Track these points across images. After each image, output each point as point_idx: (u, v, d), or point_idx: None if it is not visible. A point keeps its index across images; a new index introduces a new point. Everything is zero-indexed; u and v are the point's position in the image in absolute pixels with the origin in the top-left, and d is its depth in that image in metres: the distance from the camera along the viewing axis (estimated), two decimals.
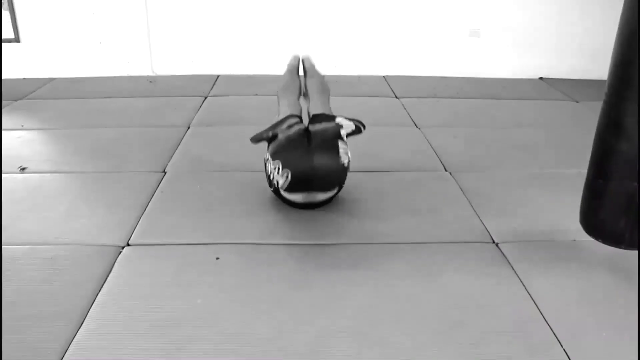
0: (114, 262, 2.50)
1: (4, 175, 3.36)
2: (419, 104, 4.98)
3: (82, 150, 3.82)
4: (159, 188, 3.23)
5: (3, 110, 4.61)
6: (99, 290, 2.30)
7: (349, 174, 2.91)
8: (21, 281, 2.35)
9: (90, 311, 2.18)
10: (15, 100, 4.87)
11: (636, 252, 2.47)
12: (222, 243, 2.64)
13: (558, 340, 2.06)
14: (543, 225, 2.90)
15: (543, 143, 4.06)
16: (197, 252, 2.57)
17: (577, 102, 5.16)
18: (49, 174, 3.42)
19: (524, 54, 5.91)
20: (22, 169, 3.45)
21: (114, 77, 5.69)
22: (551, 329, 2.03)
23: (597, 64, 5.30)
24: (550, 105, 5.10)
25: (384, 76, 5.89)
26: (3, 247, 2.60)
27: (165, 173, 3.45)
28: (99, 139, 4.02)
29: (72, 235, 2.73)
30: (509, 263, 2.55)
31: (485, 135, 4.20)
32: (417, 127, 4.37)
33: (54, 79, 5.60)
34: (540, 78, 5.98)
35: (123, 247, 2.63)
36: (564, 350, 2.02)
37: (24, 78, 5.58)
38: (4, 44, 5.45)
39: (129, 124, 4.34)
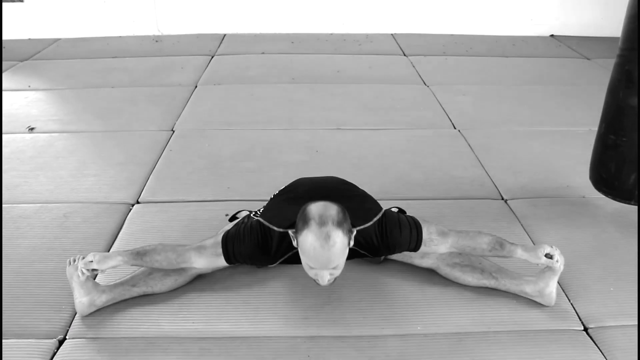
0: (124, 219, 2.52)
1: (12, 135, 3.36)
2: (428, 61, 4.92)
3: (90, 110, 3.81)
4: (167, 146, 3.23)
5: (9, 70, 4.59)
6: (110, 247, 2.33)
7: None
8: (34, 238, 2.38)
9: None
10: (21, 61, 4.84)
11: None
12: (230, 200, 2.65)
13: (565, 293, 2.07)
14: (552, 182, 2.89)
15: (553, 100, 4.01)
16: (206, 209, 2.59)
17: (588, 59, 5.08)
18: (57, 134, 3.43)
19: (535, 11, 5.79)
20: (31, 129, 3.46)
21: (120, 36, 5.64)
22: (558, 282, 2.04)
23: (609, 21, 5.20)
24: (561, 62, 5.03)
25: (392, 34, 5.80)
26: (15, 205, 2.62)
27: (174, 131, 3.45)
28: (106, 98, 4.01)
29: (83, 193, 2.75)
30: (518, 219, 2.55)
31: (495, 93, 4.15)
32: (425, 84, 4.33)
33: (59, 39, 5.55)
34: (551, 35, 5.87)
35: (133, 205, 2.64)
36: (571, 304, 2.04)
37: (29, 39, 5.54)
38: (7, 5, 5.39)
39: (136, 84, 4.32)
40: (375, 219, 1.88)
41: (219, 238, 1.95)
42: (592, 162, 2.53)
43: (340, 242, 1.60)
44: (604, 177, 2.46)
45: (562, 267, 1.96)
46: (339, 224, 1.61)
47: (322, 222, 1.57)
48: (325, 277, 1.64)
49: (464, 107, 3.87)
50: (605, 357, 1.82)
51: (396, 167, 3.02)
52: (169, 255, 1.90)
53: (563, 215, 2.59)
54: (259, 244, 1.87)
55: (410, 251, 1.93)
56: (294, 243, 1.72)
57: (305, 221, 1.60)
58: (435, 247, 2.00)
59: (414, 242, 1.90)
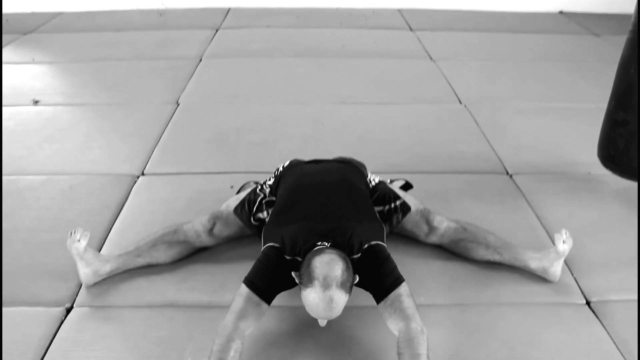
0: (130, 191, 2.52)
1: (17, 108, 3.36)
2: (435, 37, 4.87)
3: (94, 83, 3.80)
4: (172, 119, 3.23)
5: (13, 44, 4.57)
6: (116, 218, 2.34)
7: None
8: (40, 209, 2.39)
9: (108, 237, 2.22)
10: (24, 34, 4.82)
11: None
12: (235, 172, 2.65)
13: (569, 268, 2.08)
14: (558, 158, 2.88)
15: (561, 77, 3.98)
16: (211, 181, 2.59)
17: (597, 36, 5.02)
18: (62, 107, 3.42)
19: None
20: (36, 102, 3.45)
21: (123, 10, 5.59)
22: None
23: None
24: (570, 39, 4.97)
25: (398, 9, 5.74)
26: (20, 177, 2.63)
27: (179, 104, 3.44)
28: (111, 71, 4.00)
29: (88, 165, 2.75)
30: (523, 194, 2.55)
31: (502, 69, 4.12)
32: (431, 59, 4.30)
33: (62, 12, 5.51)
34: (560, 12, 5.80)
35: (138, 177, 2.65)
36: (574, 278, 2.05)
37: (32, 12, 5.50)
38: None
39: (140, 57, 4.30)
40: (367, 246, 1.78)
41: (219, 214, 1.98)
42: (600, 138, 2.51)
43: (342, 301, 1.60)
44: (612, 153, 2.45)
45: (567, 251, 1.96)
46: (343, 285, 1.59)
47: (326, 285, 1.55)
48: (324, 322, 1.65)
49: (470, 82, 3.84)
50: (607, 330, 1.83)
51: (401, 141, 3.01)
52: None
53: (568, 191, 2.58)
54: (280, 270, 1.75)
55: (379, 286, 1.73)
56: (297, 281, 1.67)
57: (310, 279, 1.58)
58: (439, 218, 2.07)
59: (390, 278, 1.72)
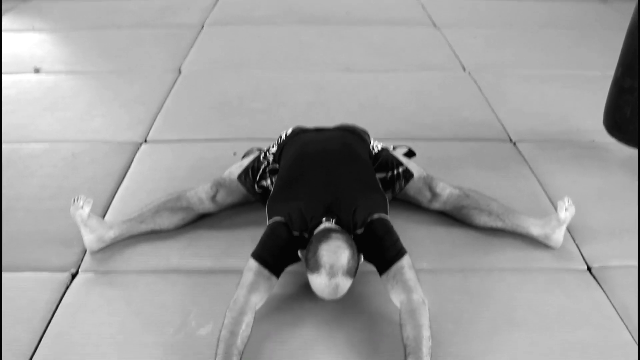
0: (133, 159, 2.52)
1: (18, 76, 3.35)
2: (438, 3, 4.80)
3: (96, 51, 3.78)
4: (174, 87, 3.21)
5: (12, 11, 4.52)
6: (119, 185, 2.34)
7: None
8: (43, 177, 2.40)
9: (111, 204, 2.23)
10: (24, 2, 4.76)
11: None
12: (238, 139, 2.65)
13: (571, 235, 2.08)
14: (562, 126, 2.86)
15: (566, 44, 3.94)
16: (214, 148, 2.59)
17: (604, 2, 4.94)
18: (63, 74, 3.41)
19: None
20: (37, 70, 3.43)
21: None
22: None
23: None
24: (576, 6, 4.89)
25: None
26: (23, 145, 2.63)
27: (181, 72, 3.42)
28: (112, 39, 3.96)
29: (91, 133, 2.75)
30: (526, 161, 2.54)
31: (506, 36, 4.07)
32: (435, 26, 4.25)
33: None
34: None
35: (141, 144, 2.65)
36: (576, 245, 2.05)
37: None
38: None
39: (142, 25, 4.26)
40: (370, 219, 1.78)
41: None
42: (606, 106, 2.49)
43: (347, 287, 1.62)
44: (618, 121, 2.43)
45: (569, 219, 1.96)
46: (349, 272, 1.60)
47: (332, 274, 1.57)
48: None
49: (474, 49, 3.80)
50: (607, 295, 1.84)
51: (405, 109, 3.00)
52: None
53: (572, 159, 2.58)
54: (288, 246, 1.75)
55: (381, 258, 1.73)
56: (302, 260, 1.68)
57: (317, 266, 1.59)
58: (442, 185, 2.07)
59: (392, 250, 1.71)
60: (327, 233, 1.66)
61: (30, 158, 2.52)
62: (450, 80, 3.37)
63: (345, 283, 1.60)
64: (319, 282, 1.59)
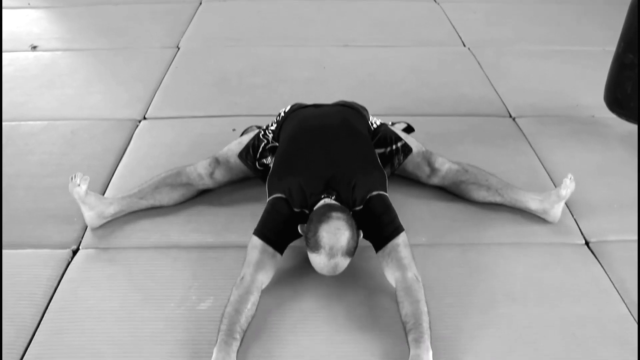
0: (132, 135, 2.52)
1: (15, 54, 3.33)
2: None
3: (93, 28, 3.74)
4: (173, 63, 3.20)
5: None
6: (119, 162, 2.35)
7: None
8: (42, 154, 2.40)
9: (111, 181, 2.24)
10: None
11: None
12: (238, 115, 2.64)
13: (569, 209, 2.09)
14: (562, 101, 2.85)
15: (567, 19, 3.90)
16: (213, 124, 2.59)
17: None
18: (60, 52, 3.38)
19: None
20: (34, 47, 3.41)
21: None
22: None
23: None
24: None
25: None
26: (21, 122, 2.63)
27: (179, 49, 3.40)
28: (109, 16, 3.93)
29: (89, 110, 2.74)
30: (525, 136, 2.54)
31: (507, 11, 4.03)
32: (435, 1, 4.21)
33: None
34: None
35: (140, 121, 2.64)
36: (575, 219, 2.06)
37: None
38: None
39: (140, 0, 4.20)
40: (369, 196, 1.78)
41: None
42: (607, 82, 2.48)
43: (346, 265, 1.64)
44: (619, 97, 2.42)
45: (568, 195, 1.97)
46: (348, 252, 1.61)
47: (332, 255, 1.58)
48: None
49: (474, 24, 3.77)
50: (604, 269, 1.86)
51: (404, 84, 2.99)
52: None
53: (571, 134, 2.57)
54: (290, 222, 1.75)
55: (378, 235, 1.74)
56: (302, 235, 1.68)
57: (317, 246, 1.59)
58: (441, 160, 2.08)
59: (389, 228, 1.72)
60: (327, 212, 1.66)
61: (29, 136, 2.52)
62: (450, 55, 3.35)
63: (344, 262, 1.61)
64: (318, 260, 1.61)
